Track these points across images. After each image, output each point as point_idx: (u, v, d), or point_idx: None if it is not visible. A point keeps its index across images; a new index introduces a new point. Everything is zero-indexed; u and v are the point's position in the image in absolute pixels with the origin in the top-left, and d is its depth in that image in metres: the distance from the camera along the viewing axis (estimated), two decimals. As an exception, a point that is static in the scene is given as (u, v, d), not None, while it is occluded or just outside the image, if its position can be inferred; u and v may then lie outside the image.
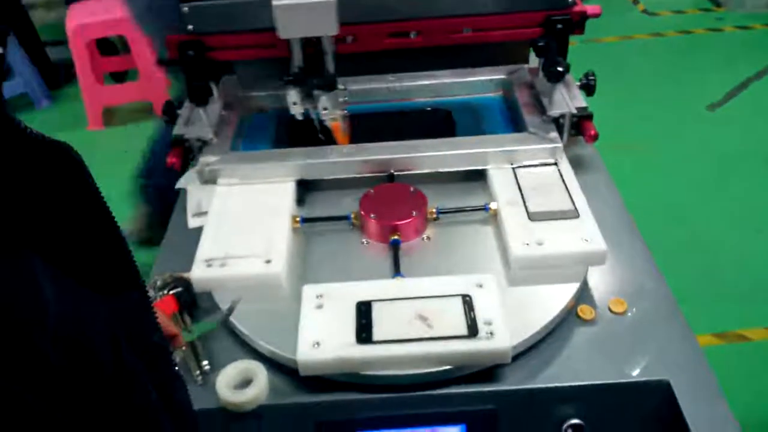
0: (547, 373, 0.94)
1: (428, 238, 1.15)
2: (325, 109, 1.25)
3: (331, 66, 1.24)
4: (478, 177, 1.23)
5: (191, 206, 1.29)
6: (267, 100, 1.48)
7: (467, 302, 0.95)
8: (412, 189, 1.19)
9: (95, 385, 0.47)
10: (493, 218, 1.15)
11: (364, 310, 0.95)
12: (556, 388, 0.92)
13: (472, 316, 0.93)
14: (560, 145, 1.22)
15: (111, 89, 3.88)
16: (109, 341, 0.50)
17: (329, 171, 1.25)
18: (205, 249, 1.08)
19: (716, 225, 2.71)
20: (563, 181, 1.17)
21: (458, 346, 0.90)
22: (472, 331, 0.91)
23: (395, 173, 1.24)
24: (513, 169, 1.20)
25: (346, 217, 1.16)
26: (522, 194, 1.14)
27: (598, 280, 1.07)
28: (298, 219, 1.16)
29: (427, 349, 0.90)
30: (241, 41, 1.37)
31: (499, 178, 1.19)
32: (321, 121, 1.29)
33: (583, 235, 1.04)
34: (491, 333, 0.90)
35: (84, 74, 3.59)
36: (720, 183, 2.92)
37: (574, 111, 1.24)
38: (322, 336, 0.91)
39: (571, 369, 0.94)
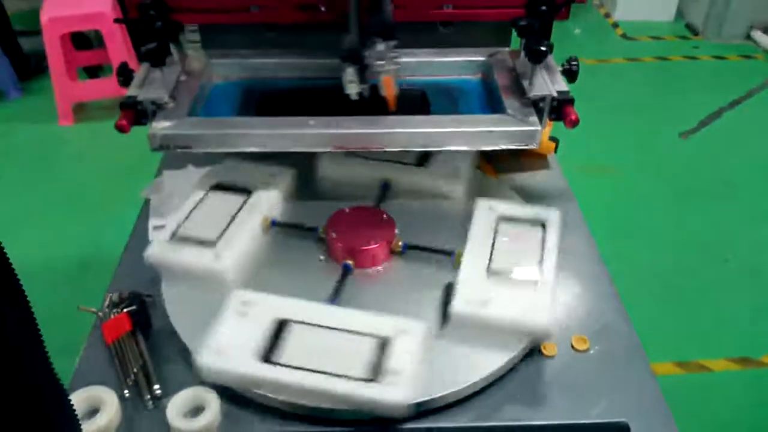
0: (508, 410, 0.93)
1: (383, 270, 1.11)
2: (380, 60, 1.15)
3: (389, 14, 1.15)
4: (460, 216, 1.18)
5: (153, 218, 1.26)
6: (233, 68, 1.39)
7: (382, 346, 0.91)
8: (385, 216, 1.16)
9: None
10: (457, 264, 1.07)
11: (279, 329, 0.93)
12: (515, 426, 0.91)
13: (380, 361, 0.89)
14: (539, 128, 1.15)
15: (83, 84, 3.80)
16: None
17: (289, 143, 1.17)
18: (171, 226, 1.08)
19: (684, 252, 2.73)
20: (542, 246, 1.09)
21: (353, 388, 0.86)
22: (372, 375, 0.87)
23: (361, 149, 1.19)
24: (497, 218, 1.14)
25: (315, 229, 1.14)
26: (492, 247, 1.08)
27: (563, 315, 1.06)
28: (269, 221, 1.13)
29: (323, 385, 0.86)
30: (208, 4, 1.29)
31: (479, 225, 1.12)
32: (371, 86, 1.18)
33: (533, 306, 0.97)
34: (393, 383, 0.86)
35: (56, 68, 3.51)
36: (690, 210, 2.95)
37: (555, 94, 1.17)
38: (230, 345, 0.89)
39: (531, 407, 0.93)
